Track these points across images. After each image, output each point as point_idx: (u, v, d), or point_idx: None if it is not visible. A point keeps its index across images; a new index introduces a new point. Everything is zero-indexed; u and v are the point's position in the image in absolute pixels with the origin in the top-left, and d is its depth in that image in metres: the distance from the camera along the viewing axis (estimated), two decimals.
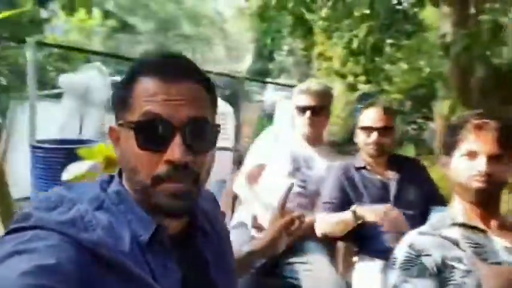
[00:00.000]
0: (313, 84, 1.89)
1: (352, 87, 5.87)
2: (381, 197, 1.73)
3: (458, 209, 1.15)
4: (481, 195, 1.09)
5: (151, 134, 0.65)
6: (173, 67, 0.68)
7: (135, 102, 0.66)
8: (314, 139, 1.91)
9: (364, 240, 1.72)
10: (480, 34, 2.10)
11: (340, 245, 1.76)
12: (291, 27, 3.29)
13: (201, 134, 0.67)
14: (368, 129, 1.75)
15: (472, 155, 1.10)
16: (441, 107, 2.49)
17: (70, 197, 0.64)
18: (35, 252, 0.54)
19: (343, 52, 2.93)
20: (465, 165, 1.10)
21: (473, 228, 1.10)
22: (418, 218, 1.57)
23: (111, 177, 0.73)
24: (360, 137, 1.80)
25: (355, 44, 2.78)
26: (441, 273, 0.99)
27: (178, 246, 0.71)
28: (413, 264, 1.05)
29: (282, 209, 1.08)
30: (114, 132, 0.72)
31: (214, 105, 0.73)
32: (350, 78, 5.58)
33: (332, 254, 1.74)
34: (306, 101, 1.83)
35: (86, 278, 0.56)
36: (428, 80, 4.10)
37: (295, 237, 1.11)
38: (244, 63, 15.59)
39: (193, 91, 0.67)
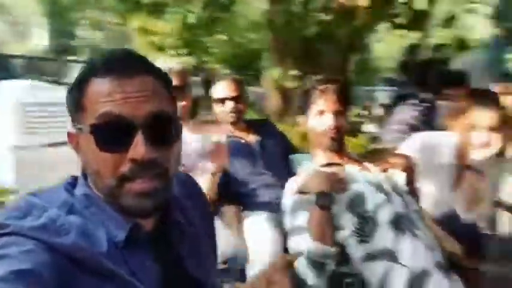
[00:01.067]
0: (172, 64, 1.94)
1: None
2: (250, 159, 1.97)
3: (320, 155, 1.50)
4: (333, 143, 1.46)
5: (112, 135, 0.63)
6: (124, 63, 0.66)
7: (91, 104, 0.64)
8: (183, 116, 1.97)
9: (244, 198, 1.91)
10: (295, 10, 2.52)
11: (226, 208, 1.92)
12: (116, 2, 3.07)
13: (163, 129, 0.66)
14: (223, 100, 1.95)
15: (321, 113, 1.46)
16: (270, 74, 2.91)
17: (40, 203, 0.62)
18: (9, 257, 0.53)
19: (177, 26, 2.96)
20: (318, 121, 1.47)
21: (335, 164, 1.46)
22: (285, 169, 1.88)
23: (75, 179, 0.71)
24: (218, 109, 1.98)
25: (191, 19, 2.86)
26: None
27: (154, 242, 0.70)
28: (299, 203, 1.35)
29: None
30: (73, 137, 0.69)
31: (172, 96, 0.72)
32: (171, 52, 5.64)
33: (220, 218, 1.89)
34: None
35: (63, 282, 0.56)
36: (249, 51, 4.57)
37: None
38: (33, 41, 13.33)
39: (149, 85, 0.66)
